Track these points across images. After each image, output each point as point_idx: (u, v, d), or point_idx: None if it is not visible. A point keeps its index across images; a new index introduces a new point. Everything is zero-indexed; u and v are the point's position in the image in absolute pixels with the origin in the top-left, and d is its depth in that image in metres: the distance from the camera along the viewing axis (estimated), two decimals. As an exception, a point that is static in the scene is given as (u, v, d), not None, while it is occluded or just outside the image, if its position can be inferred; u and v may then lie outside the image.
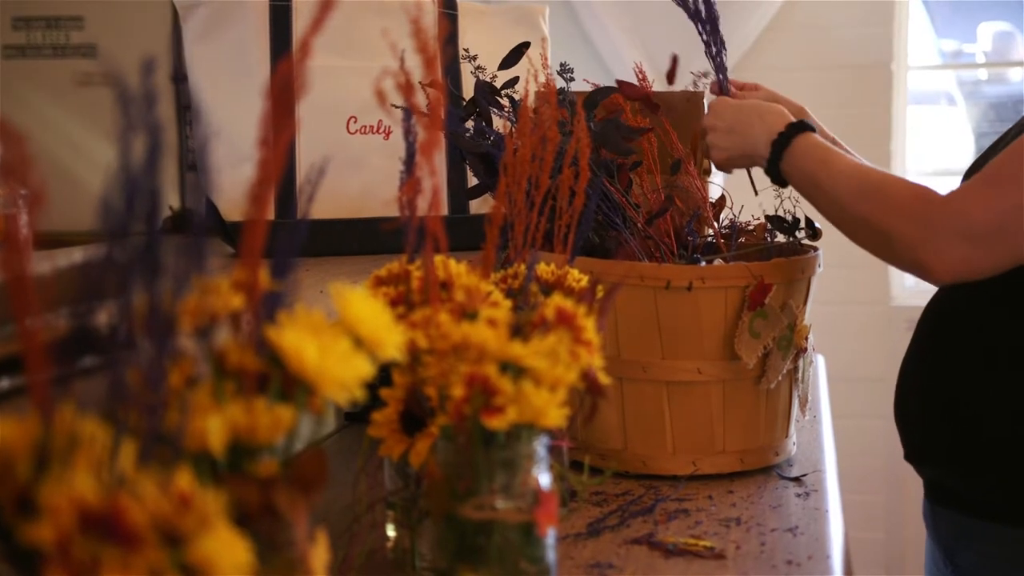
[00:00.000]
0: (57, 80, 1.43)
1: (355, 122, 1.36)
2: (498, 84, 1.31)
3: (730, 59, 1.41)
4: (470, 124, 1.30)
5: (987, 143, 1.39)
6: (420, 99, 0.81)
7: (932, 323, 1.34)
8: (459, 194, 1.40)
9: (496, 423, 0.70)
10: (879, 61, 3.08)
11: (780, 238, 1.34)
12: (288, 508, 0.51)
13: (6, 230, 0.93)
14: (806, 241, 1.33)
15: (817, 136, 1.26)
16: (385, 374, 0.74)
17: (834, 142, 1.36)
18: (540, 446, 0.75)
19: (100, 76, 1.43)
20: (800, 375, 1.27)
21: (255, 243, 0.56)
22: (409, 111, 0.80)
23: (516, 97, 1.29)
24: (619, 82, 1.35)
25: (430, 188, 0.80)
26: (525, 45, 1.31)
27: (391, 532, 0.92)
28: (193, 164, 1.46)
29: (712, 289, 1.17)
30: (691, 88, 1.42)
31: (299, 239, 0.58)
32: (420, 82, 0.79)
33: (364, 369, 0.54)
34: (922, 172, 3.27)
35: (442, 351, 0.74)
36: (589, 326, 0.76)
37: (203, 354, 0.54)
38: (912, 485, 1.40)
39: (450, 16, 1.42)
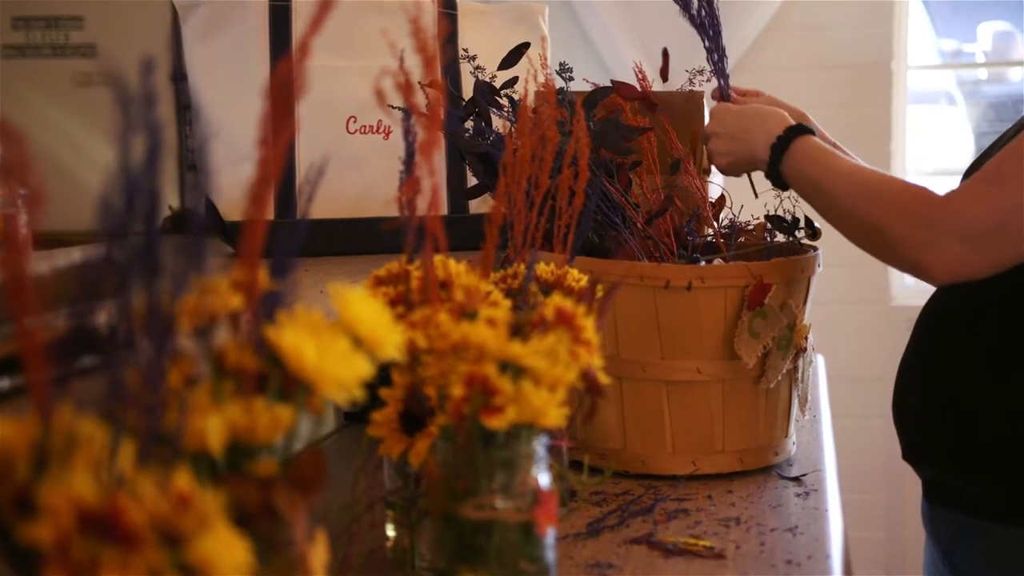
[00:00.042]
0: (57, 80, 1.43)
1: (355, 122, 1.36)
2: (497, 84, 1.31)
3: (730, 59, 1.41)
4: (469, 124, 1.30)
5: (987, 143, 1.39)
6: (419, 99, 0.81)
7: (930, 323, 1.34)
8: (458, 194, 1.40)
9: (495, 423, 0.70)
10: (879, 61, 3.08)
11: (780, 238, 1.34)
12: (287, 508, 0.51)
13: (5, 230, 0.93)
14: (806, 241, 1.33)
15: (816, 139, 1.26)
16: (384, 374, 0.74)
17: (835, 146, 1.36)
18: (539, 446, 0.75)
19: (100, 76, 1.43)
20: (800, 375, 1.27)
21: (254, 243, 0.56)
22: (408, 111, 0.80)
23: (515, 97, 1.29)
24: (614, 82, 1.35)
25: (429, 188, 0.80)
26: (525, 45, 1.31)
27: (390, 532, 0.92)
28: (193, 164, 1.46)
29: (711, 289, 1.17)
30: (688, 86, 1.43)
31: (298, 239, 0.58)
32: (419, 82, 0.79)
33: (363, 369, 0.54)
34: (922, 172, 3.27)
35: (441, 351, 0.74)
36: (588, 326, 0.76)
37: (202, 354, 0.54)
38: (912, 485, 1.40)
39: (449, 16, 1.42)
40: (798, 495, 1.17)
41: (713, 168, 1.40)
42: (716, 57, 1.37)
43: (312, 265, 1.24)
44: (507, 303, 0.78)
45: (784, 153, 1.25)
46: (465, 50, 1.34)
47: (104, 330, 0.50)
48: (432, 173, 0.80)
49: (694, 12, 1.35)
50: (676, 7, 1.36)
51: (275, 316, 0.55)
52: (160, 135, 0.50)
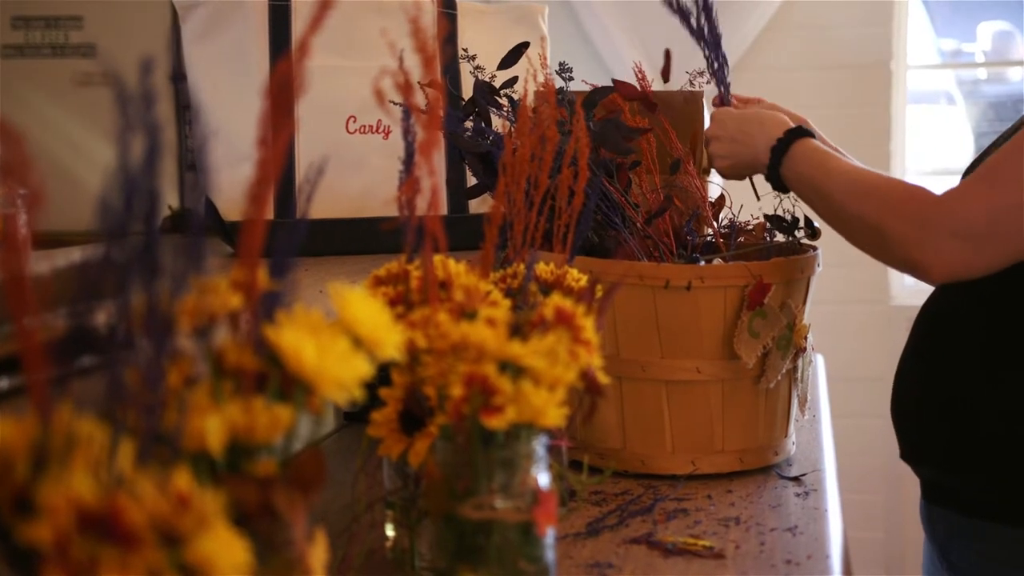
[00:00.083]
0: (56, 80, 1.43)
1: (354, 122, 1.36)
2: (497, 84, 1.31)
3: (729, 59, 1.42)
4: (469, 124, 1.30)
5: (986, 142, 1.39)
6: (419, 99, 0.81)
7: (928, 323, 1.34)
8: (458, 194, 1.40)
9: (495, 423, 0.70)
10: (878, 61, 3.08)
11: (779, 237, 1.34)
12: (287, 508, 0.51)
13: (5, 230, 0.93)
14: (805, 240, 1.33)
15: (816, 142, 1.27)
16: (384, 374, 0.74)
17: (836, 151, 1.37)
18: (539, 445, 0.75)
19: (99, 76, 1.43)
20: (799, 374, 1.27)
21: (254, 243, 0.56)
22: (408, 111, 0.80)
23: (515, 97, 1.29)
24: (616, 82, 1.36)
25: (429, 188, 0.80)
26: (524, 45, 1.31)
27: (390, 532, 0.92)
28: (192, 164, 1.46)
29: (711, 288, 1.17)
30: (689, 86, 1.43)
31: (298, 239, 0.58)
32: (419, 82, 0.79)
33: (363, 369, 0.54)
34: (921, 172, 3.27)
35: (441, 351, 0.74)
36: (588, 325, 0.76)
37: (202, 354, 0.54)
38: (911, 484, 1.40)
39: (449, 16, 1.42)
40: (798, 495, 1.17)
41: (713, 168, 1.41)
42: (716, 66, 1.37)
43: (312, 265, 1.24)
44: (507, 303, 0.78)
45: (784, 155, 1.26)
46: (465, 50, 1.34)
47: (103, 330, 0.50)
48: (432, 173, 0.80)
49: (693, 22, 1.35)
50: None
51: (274, 316, 0.55)
52: (159, 135, 0.50)
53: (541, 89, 1.06)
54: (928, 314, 1.34)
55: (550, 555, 0.75)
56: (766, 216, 1.35)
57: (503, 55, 1.31)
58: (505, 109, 1.29)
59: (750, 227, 1.37)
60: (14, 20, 1.44)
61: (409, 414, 0.78)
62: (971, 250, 1.12)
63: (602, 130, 1.25)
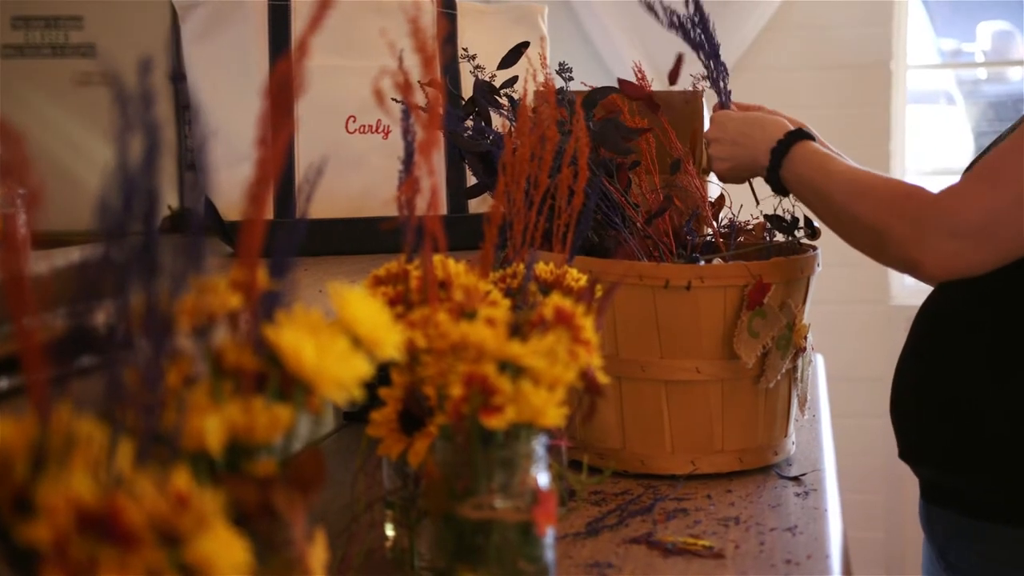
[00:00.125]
0: (56, 80, 1.43)
1: (354, 122, 1.36)
2: (497, 83, 1.31)
3: (729, 59, 1.42)
4: (469, 123, 1.30)
5: (986, 142, 1.39)
6: (419, 98, 0.81)
7: (928, 322, 1.34)
8: (458, 193, 1.40)
9: (495, 422, 0.70)
10: (878, 60, 3.08)
11: (779, 237, 1.34)
12: (286, 508, 0.51)
13: (5, 229, 0.93)
14: (805, 240, 1.33)
15: (816, 144, 1.28)
16: (384, 373, 0.74)
17: (836, 154, 1.37)
18: (539, 445, 0.75)
19: (99, 76, 1.43)
20: (799, 374, 1.27)
21: (253, 242, 0.56)
22: (408, 110, 0.80)
23: (515, 96, 1.29)
24: (621, 81, 1.36)
25: (429, 187, 0.80)
26: (524, 45, 1.31)
27: (390, 532, 0.92)
28: (192, 163, 1.46)
29: (711, 288, 1.17)
30: (690, 88, 1.43)
31: (297, 238, 0.58)
32: (419, 81, 0.79)
33: (362, 368, 0.54)
34: (921, 171, 3.27)
35: (441, 350, 0.73)
36: (588, 325, 0.76)
37: (201, 354, 0.54)
38: (911, 484, 1.40)
39: (449, 15, 1.42)
40: (797, 495, 1.17)
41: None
42: (715, 76, 1.38)
43: (311, 265, 1.24)
44: (506, 303, 0.78)
45: (784, 157, 1.26)
46: (464, 50, 1.34)
47: (103, 330, 0.50)
48: (431, 173, 0.79)
49: (691, 34, 1.35)
50: (676, 8, 1.36)
51: (274, 316, 0.55)
52: (159, 135, 0.50)
53: (541, 89, 1.06)
54: (928, 314, 1.34)
55: (550, 555, 0.75)
56: (766, 216, 1.35)
57: (503, 55, 1.31)
58: (505, 109, 1.29)
59: (750, 227, 1.37)
60: (14, 20, 1.44)
61: (409, 414, 0.78)
62: (969, 248, 1.12)
63: (602, 130, 1.25)
